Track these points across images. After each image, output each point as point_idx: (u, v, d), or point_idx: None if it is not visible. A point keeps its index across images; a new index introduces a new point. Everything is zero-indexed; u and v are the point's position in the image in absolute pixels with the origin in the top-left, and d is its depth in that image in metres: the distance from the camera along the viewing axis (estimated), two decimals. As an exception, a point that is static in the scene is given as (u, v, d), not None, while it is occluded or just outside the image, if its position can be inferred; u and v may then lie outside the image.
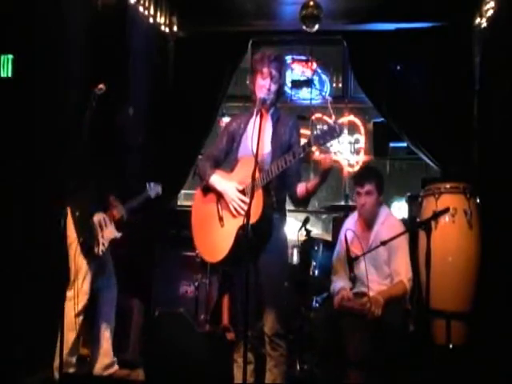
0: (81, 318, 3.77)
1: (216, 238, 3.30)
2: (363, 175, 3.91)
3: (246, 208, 3.06)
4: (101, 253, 3.86)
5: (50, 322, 3.66)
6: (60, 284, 3.65)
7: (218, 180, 3.34)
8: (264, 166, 3.21)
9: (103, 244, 3.86)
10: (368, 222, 3.84)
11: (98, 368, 3.92)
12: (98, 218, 3.86)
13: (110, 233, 3.91)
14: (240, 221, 3.15)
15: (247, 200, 3.09)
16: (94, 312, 3.96)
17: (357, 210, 3.95)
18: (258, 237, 3.10)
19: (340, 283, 3.81)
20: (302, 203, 3.41)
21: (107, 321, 3.96)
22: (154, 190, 4.20)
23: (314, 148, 3.15)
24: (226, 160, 3.48)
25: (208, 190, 3.40)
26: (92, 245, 3.82)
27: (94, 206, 3.88)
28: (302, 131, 3.60)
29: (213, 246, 3.31)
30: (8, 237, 4.12)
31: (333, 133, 2.99)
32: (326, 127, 3.04)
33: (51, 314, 3.63)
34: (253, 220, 3.03)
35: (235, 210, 3.23)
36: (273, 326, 3.27)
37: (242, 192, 3.25)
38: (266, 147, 3.32)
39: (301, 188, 3.30)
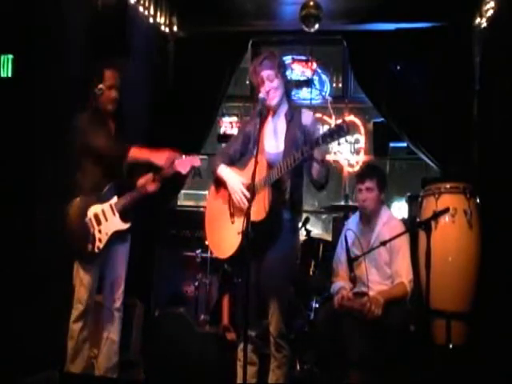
0: (79, 324, 3.57)
1: (226, 234, 3.31)
2: (365, 172, 3.93)
3: (246, 202, 3.11)
4: (97, 250, 3.56)
5: (50, 322, 3.66)
6: (60, 284, 3.66)
7: (224, 170, 3.35)
8: (274, 165, 3.21)
9: (100, 240, 3.57)
10: (369, 221, 3.84)
11: (100, 370, 3.78)
12: (94, 211, 3.60)
13: (112, 225, 3.62)
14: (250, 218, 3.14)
15: (248, 195, 3.10)
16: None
17: (358, 208, 3.95)
18: (264, 236, 3.10)
19: (340, 283, 3.81)
20: (320, 182, 3.30)
21: (111, 324, 3.75)
22: (184, 164, 3.62)
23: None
24: (241, 160, 3.48)
25: (220, 186, 3.41)
26: (85, 243, 3.55)
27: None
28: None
29: (222, 243, 3.33)
30: (8, 237, 4.12)
31: (340, 131, 2.99)
32: (333, 126, 3.04)
33: (51, 314, 3.64)
34: (258, 218, 3.04)
35: (238, 202, 3.25)
36: (278, 327, 3.27)
37: (248, 188, 3.25)
38: (280, 146, 3.32)
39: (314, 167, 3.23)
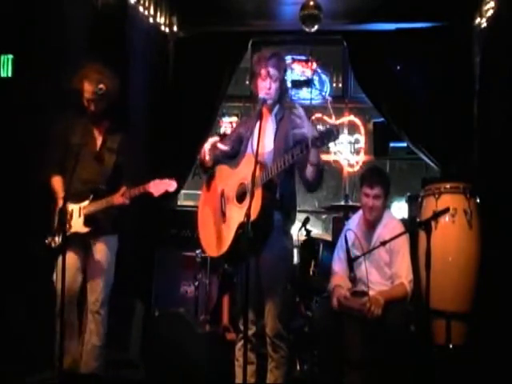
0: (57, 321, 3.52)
1: (217, 233, 3.35)
2: (374, 177, 3.85)
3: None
4: (53, 244, 3.66)
5: (50, 322, 3.66)
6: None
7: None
8: (266, 165, 3.22)
9: (57, 235, 3.64)
10: (371, 224, 3.84)
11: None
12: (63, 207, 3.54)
13: (73, 227, 3.69)
14: (241, 217, 3.13)
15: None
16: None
17: (362, 211, 3.90)
18: (257, 235, 3.10)
19: (336, 282, 3.78)
20: (313, 184, 3.31)
21: (92, 327, 3.75)
22: (158, 186, 3.67)
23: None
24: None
25: (211, 188, 3.43)
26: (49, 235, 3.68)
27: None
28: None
29: (214, 241, 3.36)
30: (8, 236, 4.12)
31: (330, 135, 2.99)
32: (323, 129, 3.05)
33: (51, 314, 3.63)
34: (251, 218, 3.04)
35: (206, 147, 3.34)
36: (274, 327, 3.27)
37: (242, 187, 3.27)
38: (269, 146, 3.34)
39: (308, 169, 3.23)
